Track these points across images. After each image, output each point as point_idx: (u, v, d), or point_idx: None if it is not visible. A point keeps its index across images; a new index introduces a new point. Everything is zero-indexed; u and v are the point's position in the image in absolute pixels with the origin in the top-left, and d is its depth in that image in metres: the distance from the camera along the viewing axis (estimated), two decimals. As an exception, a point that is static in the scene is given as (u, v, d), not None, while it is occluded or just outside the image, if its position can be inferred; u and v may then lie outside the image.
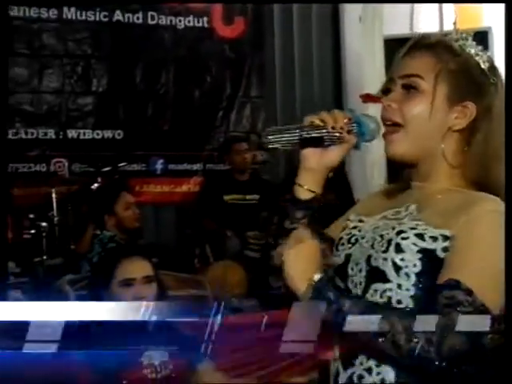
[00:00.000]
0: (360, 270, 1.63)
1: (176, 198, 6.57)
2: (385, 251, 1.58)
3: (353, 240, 1.66)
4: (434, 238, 1.54)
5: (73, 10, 6.28)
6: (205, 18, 6.72)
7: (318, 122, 1.62)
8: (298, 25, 6.97)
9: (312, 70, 6.86)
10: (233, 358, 3.45)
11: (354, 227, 1.68)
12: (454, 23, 5.03)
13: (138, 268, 2.86)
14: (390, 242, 1.59)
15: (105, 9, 6.37)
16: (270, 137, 1.64)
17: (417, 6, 6.83)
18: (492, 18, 6.86)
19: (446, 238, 1.53)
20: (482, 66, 1.64)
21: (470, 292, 1.48)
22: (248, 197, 5.85)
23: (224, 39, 6.81)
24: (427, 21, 6.93)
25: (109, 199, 4.84)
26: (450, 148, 1.62)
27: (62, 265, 4.89)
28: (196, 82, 6.70)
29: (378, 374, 1.56)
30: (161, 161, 6.56)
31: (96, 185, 5.38)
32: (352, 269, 1.65)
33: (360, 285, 1.62)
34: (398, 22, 6.12)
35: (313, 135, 1.63)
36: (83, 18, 6.32)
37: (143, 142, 6.48)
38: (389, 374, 1.56)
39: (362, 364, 1.58)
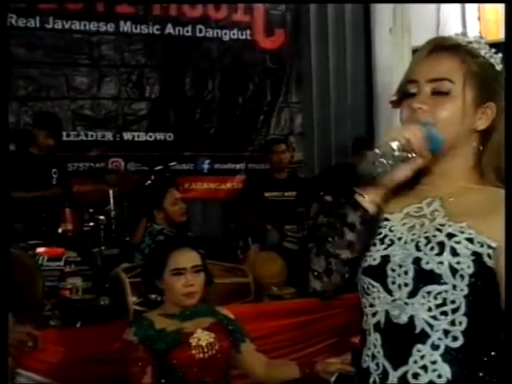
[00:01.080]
0: (405, 273, 1.54)
1: (221, 195, 6.60)
2: (438, 254, 1.51)
3: (387, 241, 1.56)
4: (481, 244, 1.50)
5: (128, 23, 6.31)
6: (248, 31, 6.72)
7: (402, 140, 1.48)
8: (333, 37, 6.95)
9: (345, 78, 6.83)
10: (272, 340, 3.46)
11: (383, 226, 1.58)
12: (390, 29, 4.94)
13: (187, 258, 2.85)
14: (442, 245, 1.52)
15: (157, 22, 6.39)
16: (365, 168, 1.49)
17: (442, 18, 6.78)
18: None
19: (489, 246, 1.49)
20: (497, 68, 1.59)
21: None
22: (286, 194, 5.83)
23: (265, 50, 6.81)
24: (451, 32, 6.87)
25: (158, 195, 4.86)
26: (471, 148, 1.58)
27: (118, 255, 4.90)
28: (239, 89, 6.71)
29: (434, 370, 1.49)
30: (207, 161, 6.57)
31: (148, 181, 5.41)
32: (393, 270, 1.55)
33: (406, 286, 1.53)
34: (424, 33, 6.05)
35: (401, 159, 1.48)
36: (138, 31, 6.36)
37: (191, 143, 6.51)
38: (446, 371, 1.49)
39: (416, 362, 1.50)
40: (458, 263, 1.50)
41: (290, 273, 4.46)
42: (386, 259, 1.54)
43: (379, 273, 1.55)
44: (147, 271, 3.00)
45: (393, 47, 4.88)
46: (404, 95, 1.59)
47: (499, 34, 6.70)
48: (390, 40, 5.04)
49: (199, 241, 3.20)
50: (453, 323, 1.49)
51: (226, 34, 6.66)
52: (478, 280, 1.49)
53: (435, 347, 1.51)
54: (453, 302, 1.50)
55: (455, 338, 1.48)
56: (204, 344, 2.78)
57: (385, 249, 1.54)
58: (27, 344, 3.02)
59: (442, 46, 1.58)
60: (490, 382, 1.49)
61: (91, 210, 5.20)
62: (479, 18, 7.06)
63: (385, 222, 1.58)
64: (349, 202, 1.57)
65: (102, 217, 5.12)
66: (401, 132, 1.50)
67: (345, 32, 6.95)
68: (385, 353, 1.53)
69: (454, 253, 1.50)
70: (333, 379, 2.70)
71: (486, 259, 1.49)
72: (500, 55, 1.62)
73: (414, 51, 5.89)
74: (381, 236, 1.56)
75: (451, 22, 6.96)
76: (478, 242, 1.50)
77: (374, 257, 1.55)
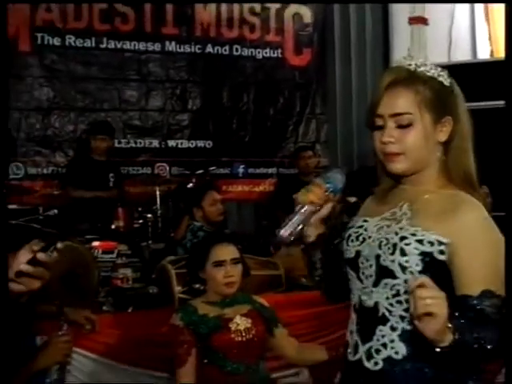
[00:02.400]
0: (370, 266, 1.65)
1: (254, 196, 6.62)
2: (392, 254, 1.61)
3: (361, 238, 1.68)
4: (431, 243, 1.57)
5: (173, 43, 6.37)
6: (279, 50, 6.74)
7: (311, 198, 1.71)
8: (355, 55, 6.94)
9: (366, 93, 6.80)
10: (302, 326, 3.45)
11: (360, 226, 1.71)
12: (408, 49, 4.90)
13: (227, 252, 2.86)
14: (395, 246, 1.61)
15: (198, 43, 6.43)
16: (283, 233, 1.70)
17: (454, 37, 6.72)
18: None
19: (440, 243, 1.56)
20: (445, 84, 1.64)
21: (501, 296, 1.53)
22: (313, 195, 5.84)
23: (294, 67, 6.82)
24: (463, 51, 6.82)
25: (198, 196, 4.88)
26: (436, 158, 1.65)
27: (163, 248, 4.90)
28: (271, 101, 6.73)
29: (392, 348, 1.60)
30: (242, 166, 6.60)
31: (190, 184, 5.43)
32: (362, 263, 1.67)
33: (371, 277, 1.65)
34: (439, 52, 6.04)
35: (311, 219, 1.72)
36: (181, 50, 6.42)
37: (228, 150, 6.54)
38: (402, 349, 1.59)
39: (378, 340, 1.62)
40: (407, 261, 1.59)
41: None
42: (358, 253, 1.68)
43: (354, 264, 1.69)
44: (191, 263, 3.01)
45: (411, 64, 4.87)
46: (373, 128, 1.66)
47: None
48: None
49: (236, 237, 3.21)
50: (407, 310, 1.52)
51: (259, 52, 6.68)
52: (427, 274, 1.53)
53: (393, 329, 1.61)
54: (405, 292, 1.55)
55: (410, 322, 1.51)
56: (242, 329, 2.78)
57: (358, 245, 1.68)
58: (86, 327, 3.06)
59: (397, 81, 1.62)
60: (438, 358, 1.53)
61: (140, 209, 5.23)
62: (490, 38, 7.00)
63: (363, 223, 1.71)
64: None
65: (149, 215, 5.14)
66: (305, 196, 1.71)
67: (366, 51, 6.94)
68: (358, 329, 1.67)
69: (403, 253, 1.59)
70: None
71: (437, 255, 1.57)
72: (446, 71, 1.67)
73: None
74: (357, 234, 1.70)
75: (462, 40, 6.92)
76: (429, 242, 1.57)
77: (351, 251, 1.69)
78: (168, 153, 6.25)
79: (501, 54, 6.76)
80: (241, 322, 2.79)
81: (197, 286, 2.96)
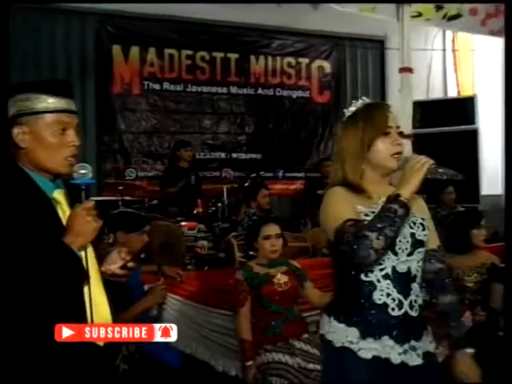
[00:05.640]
0: (407, 241, 1.56)
1: (290, 192, 6.54)
2: (422, 230, 1.59)
3: None
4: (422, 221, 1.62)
5: (235, 87, 6.33)
6: (307, 92, 6.66)
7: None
8: (360, 94, 6.67)
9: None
10: (322, 282, 3.42)
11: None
12: (399, 90, 4.83)
13: (273, 229, 2.87)
14: (422, 225, 1.60)
15: (252, 87, 6.39)
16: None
17: (430, 84, 6.60)
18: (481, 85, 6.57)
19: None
20: None
21: None
22: (331, 192, 5.77)
23: (318, 104, 6.72)
24: (437, 92, 6.69)
25: (254, 192, 4.88)
26: None
27: (228, 227, 4.89)
28: (302, 127, 6.65)
29: (418, 296, 1.59)
30: (281, 171, 6.53)
31: (246, 184, 5.44)
32: (400, 241, 1.55)
33: (406, 250, 1.56)
34: (420, 92, 5.92)
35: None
36: (241, 92, 6.37)
37: (272, 160, 6.48)
38: (422, 297, 1.58)
39: (414, 294, 1.58)
40: (425, 235, 1.60)
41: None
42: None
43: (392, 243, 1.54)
44: (248, 237, 3.02)
45: (400, 101, 4.78)
46: (385, 133, 1.57)
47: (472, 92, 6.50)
48: (398, 96, 4.92)
49: (279, 219, 3.21)
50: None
51: (294, 93, 6.61)
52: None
53: (418, 284, 1.58)
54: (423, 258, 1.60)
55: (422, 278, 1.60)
56: (282, 282, 2.79)
57: None
58: (177, 279, 3.09)
59: (389, 107, 1.63)
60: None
61: (213, 200, 5.23)
62: (457, 83, 6.86)
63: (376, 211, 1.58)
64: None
65: (219, 204, 5.13)
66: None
67: (368, 92, 6.79)
68: (397, 290, 1.53)
69: (425, 229, 1.61)
70: None
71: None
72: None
73: (414, 104, 5.69)
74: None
75: (437, 84, 6.80)
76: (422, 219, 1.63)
77: None
78: (231, 162, 6.24)
79: (465, 93, 6.62)
80: (281, 278, 2.80)
81: (251, 252, 2.99)
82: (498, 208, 5.81)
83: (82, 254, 1.38)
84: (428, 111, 5.77)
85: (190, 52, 6.13)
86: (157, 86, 6.05)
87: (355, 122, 1.60)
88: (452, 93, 6.81)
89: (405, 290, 1.54)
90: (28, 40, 5.45)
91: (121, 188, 4.87)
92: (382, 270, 1.53)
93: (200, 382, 3.00)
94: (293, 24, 6.29)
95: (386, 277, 1.53)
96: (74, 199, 1.43)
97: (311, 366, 2.59)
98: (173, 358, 2.66)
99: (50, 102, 1.39)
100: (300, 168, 6.60)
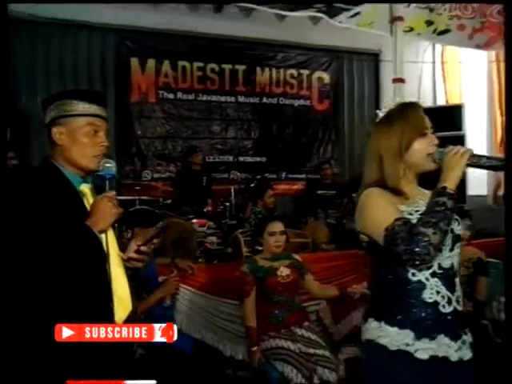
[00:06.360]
0: (448, 237, 1.42)
1: (292, 192, 6.51)
2: (458, 225, 1.47)
3: None
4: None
5: (242, 97, 6.31)
6: (308, 100, 6.63)
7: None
8: (357, 103, 6.82)
9: (364, 128, 6.70)
10: (322, 274, 3.42)
11: (417, 211, 1.43)
12: (392, 99, 4.80)
13: (277, 226, 2.87)
14: (457, 220, 1.47)
15: (258, 96, 6.36)
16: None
17: (422, 93, 6.58)
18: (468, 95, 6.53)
19: None
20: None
21: None
22: (329, 192, 5.73)
23: (318, 111, 6.69)
24: (427, 101, 6.67)
25: (261, 192, 4.87)
26: None
27: (235, 224, 4.88)
28: (303, 132, 6.61)
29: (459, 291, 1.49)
30: (284, 172, 6.51)
31: (252, 184, 5.43)
32: None
33: (448, 245, 1.43)
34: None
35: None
36: (247, 100, 6.35)
37: (276, 163, 6.46)
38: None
39: (459, 289, 1.46)
40: (460, 230, 1.49)
41: (332, 236, 4.42)
42: None
43: None
44: (254, 233, 3.03)
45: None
46: (424, 134, 1.47)
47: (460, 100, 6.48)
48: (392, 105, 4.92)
49: (282, 217, 3.21)
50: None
51: (296, 102, 6.58)
52: None
53: (459, 277, 1.47)
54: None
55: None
56: (284, 275, 2.79)
57: None
58: (188, 272, 3.09)
59: (423, 109, 1.51)
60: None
61: (221, 199, 5.22)
62: (445, 92, 6.82)
63: (419, 208, 1.45)
64: None
65: (227, 203, 5.14)
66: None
67: (364, 101, 6.80)
68: (446, 288, 1.41)
69: (459, 224, 1.49)
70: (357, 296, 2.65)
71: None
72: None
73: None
74: None
75: (427, 94, 6.77)
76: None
77: None
78: (238, 165, 6.21)
79: (453, 101, 6.59)
80: (284, 271, 2.80)
81: (257, 247, 2.99)
82: (483, 207, 5.80)
83: (103, 236, 1.44)
84: (419, 118, 5.75)
85: (200, 64, 6.13)
86: (171, 95, 6.05)
87: (391, 123, 1.47)
88: (441, 101, 6.79)
89: (451, 286, 1.42)
90: (54, 53, 5.48)
91: (138, 188, 4.88)
92: (429, 268, 1.40)
93: (210, 366, 3.00)
94: (295, 39, 6.29)
95: (433, 275, 1.41)
96: (99, 191, 1.51)
97: (311, 350, 2.59)
98: (186, 343, 2.66)
99: (86, 107, 1.50)
100: (301, 170, 6.58)
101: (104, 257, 1.44)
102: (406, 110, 1.49)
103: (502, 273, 3.04)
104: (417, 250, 1.29)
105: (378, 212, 1.39)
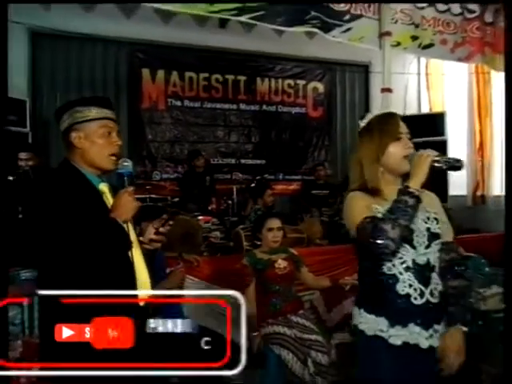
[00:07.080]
0: (424, 235, 1.47)
1: (289, 192, 6.48)
2: (436, 223, 1.49)
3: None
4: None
5: (244, 104, 6.27)
6: (304, 108, 6.60)
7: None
8: (348, 111, 6.80)
9: (355, 134, 6.68)
10: (316, 267, 3.42)
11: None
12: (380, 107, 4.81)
13: (275, 222, 2.86)
14: (436, 219, 1.49)
15: (258, 103, 6.34)
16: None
17: (408, 103, 6.58)
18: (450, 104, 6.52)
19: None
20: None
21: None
22: (323, 192, 5.72)
23: (313, 118, 6.66)
24: (412, 109, 6.67)
25: (261, 191, 4.86)
26: None
27: (237, 221, 4.88)
28: (299, 137, 6.59)
29: (437, 284, 1.51)
30: (282, 174, 6.49)
31: (253, 184, 5.43)
32: (417, 235, 1.46)
33: (424, 243, 1.46)
34: (397, 109, 5.88)
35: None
36: (248, 108, 6.32)
37: (274, 165, 6.44)
38: (440, 285, 1.50)
39: (434, 283, 1.47)
40: (440, 228, 1.50)
41: (325, 232, 4.41)
42: (412, 230, 1.46)
43: (409, 238, 1.45)
44: (254, 229, 3.02)
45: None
46: (398, 139, 1.51)
47: (442, 108, 6.47)
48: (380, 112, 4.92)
49: (280, 214, 3.21)
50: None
51: (292, 109, 6.56)
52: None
53: (437, 273, 1.48)
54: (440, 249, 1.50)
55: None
56: (282, 267, 2.78)
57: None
58: (194, 264, 3.10)
59: (398, 117, 1.56)
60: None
61: (224, 198, 5.24)
62: (429, 101, 6.82)
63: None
64: None
65: (229, 201, 5.15)
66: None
67: (354, 108, 6.79)
68: (418, 281, 1.44)
69: (438, 222, 1.51)
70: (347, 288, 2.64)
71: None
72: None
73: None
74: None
75: (412, 102, 6.77)
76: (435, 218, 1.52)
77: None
78: (240, 167, 6.20)
79: (436, 109, 6.58)
80: (281, 263, 2.79)
81: (256, 242, 2.99)
82: (463, 207, 5.80)
83: (125, 226, 1.49)
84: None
85: (206, 75, 6.13)
86: (178, 103, 6.04)
87: (371, 132, 1.53)
88: (425, 109, 6.79)
89: (425, 280, 1.44)
90: (72, 64, 5.49)
91: (148, 187, 4.89)
92: (402, 263, 1.44)
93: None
94: (292, 52, 6.28)
95: (407, 269, 1.43)
96: (118, 187, 1.54)
97: (306, 336, 2.60)
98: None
99: (98, 111, 1.54)
100: (297, 172, 6.56)
101: (130, 245, 1.48)
102: (383, 118, 1.54)
103: (479, 265, 3.05)
104: (377, 242, 1.34)
105: (354, 212, 1.44)
